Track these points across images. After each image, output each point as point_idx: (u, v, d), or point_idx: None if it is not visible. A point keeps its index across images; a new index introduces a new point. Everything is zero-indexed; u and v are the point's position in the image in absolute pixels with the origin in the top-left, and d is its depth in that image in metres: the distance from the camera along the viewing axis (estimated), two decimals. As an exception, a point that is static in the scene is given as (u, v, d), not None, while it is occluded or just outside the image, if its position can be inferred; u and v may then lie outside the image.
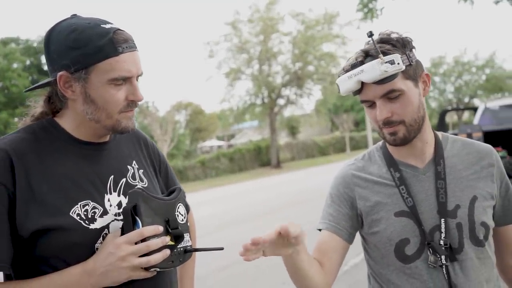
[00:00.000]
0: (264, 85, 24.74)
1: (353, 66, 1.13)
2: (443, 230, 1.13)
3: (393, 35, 1.15)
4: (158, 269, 1.01)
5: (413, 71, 1.14)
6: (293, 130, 36.94)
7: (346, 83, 1.15)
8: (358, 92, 1.16)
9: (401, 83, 1.11)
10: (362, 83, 1.13)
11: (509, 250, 1.29)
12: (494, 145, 1.46)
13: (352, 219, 1.23)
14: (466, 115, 26.55)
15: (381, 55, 1.08)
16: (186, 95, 64.37)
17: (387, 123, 1.14)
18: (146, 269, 0.99)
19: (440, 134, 1.26)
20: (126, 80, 1.04)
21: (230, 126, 34.35)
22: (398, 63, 1.08)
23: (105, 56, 0.99)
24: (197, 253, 1.39)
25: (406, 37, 1.15)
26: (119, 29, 1.04)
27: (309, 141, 32.68)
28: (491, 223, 1.18)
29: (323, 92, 26.74)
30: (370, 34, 1.11)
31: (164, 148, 23.57)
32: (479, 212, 1.15)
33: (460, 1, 9.35)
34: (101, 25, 1.02)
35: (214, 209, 10.89)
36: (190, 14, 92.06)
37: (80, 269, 0.97)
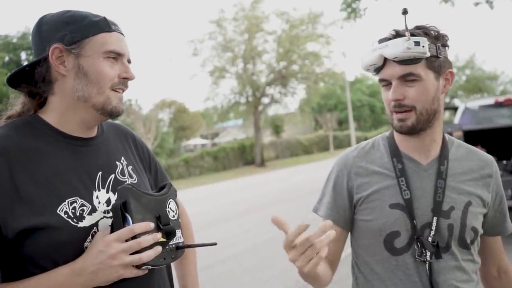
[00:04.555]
0: (249, 84, 24.74)
1: (380, 41, 1.13)
2: (433, 228, 1.14)
3: (430, 26, 1.14)
4: (149, 267, 0.97)
5: (438, 64, 1.13)
6: (277, 129, 37.01)
7: (369, 56, 1.14)
8: (379, 69, 1.15)
9: (421, 70, 1.10)
10: (385, 61, 1.12)
11: (493, 260, 1.32)
12: (474, 144, 1.49)
13: (350, 209, 1.25)
14: (447, 114, 27.03)
15: (407, 33, 1.08)
16: (169, 93, 63.98)
17: (398, 106, 1.13)
18: (138, 267, 0.95)
19: (447, 136, 1.26)
20: (119, 58, 1.05)
21: (214, 124, 34.20)
22: (423, 46, 1.07)
23: (100, 30, 1.03)
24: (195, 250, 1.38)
25: (443, 33, 1.15)
26: None
27: (293, 139, 32.81)
28: (481, 229, 1.21)
29: (307, 91, 26.90)
30: (404, 11, 1.10)
31: (147, 147, 23.32)
32: (472, 217, 1.17)
33: (441, 2, 9.52)
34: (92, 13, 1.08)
35: (198, 208, 10.84)
36: (174, 12, 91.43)
37: (69, 269, 0.93)
